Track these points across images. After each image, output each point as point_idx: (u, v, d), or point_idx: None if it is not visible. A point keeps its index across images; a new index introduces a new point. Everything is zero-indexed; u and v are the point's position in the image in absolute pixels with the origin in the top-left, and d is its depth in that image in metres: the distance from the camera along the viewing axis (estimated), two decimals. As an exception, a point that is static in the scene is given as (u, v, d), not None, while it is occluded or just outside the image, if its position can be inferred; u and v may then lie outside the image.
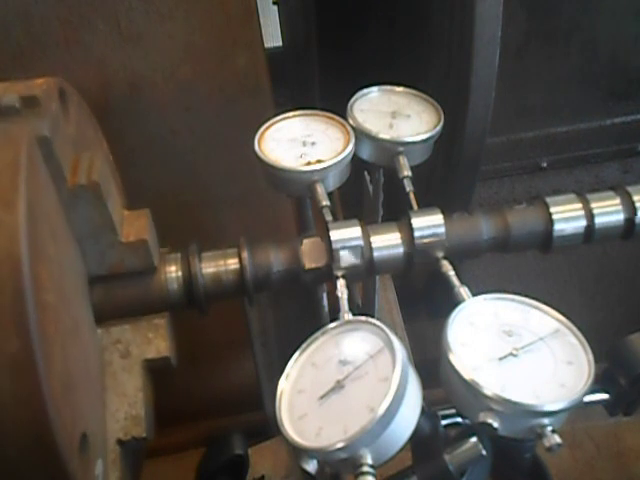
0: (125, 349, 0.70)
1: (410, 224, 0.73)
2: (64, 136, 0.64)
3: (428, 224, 0.73)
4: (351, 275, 0.72)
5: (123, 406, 0.67)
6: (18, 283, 0.50)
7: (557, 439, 0.54)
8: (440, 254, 0.73)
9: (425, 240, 0.73)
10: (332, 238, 0.71)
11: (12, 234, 0.50)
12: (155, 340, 0.70)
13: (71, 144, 0.66)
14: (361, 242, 0.72)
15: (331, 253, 0.71)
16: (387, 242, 0.73)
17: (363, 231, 0.73)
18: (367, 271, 0.73)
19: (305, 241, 0.74)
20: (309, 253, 0.73)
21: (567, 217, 0.75)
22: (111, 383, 0.68)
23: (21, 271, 0.50)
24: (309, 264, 0.72)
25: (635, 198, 0.76)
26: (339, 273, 0.71)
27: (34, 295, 0.50)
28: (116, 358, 0.69)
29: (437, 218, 0.74)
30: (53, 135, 0.60)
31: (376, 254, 0.73)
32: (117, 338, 0.70)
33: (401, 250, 0.73)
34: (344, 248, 0.71)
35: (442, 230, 0.73)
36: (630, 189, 0.77)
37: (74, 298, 0.64)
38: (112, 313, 0.70)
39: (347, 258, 0.71)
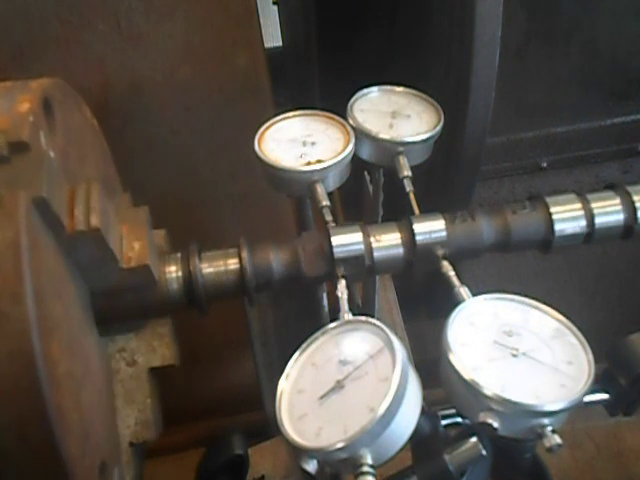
0: (131, 357, 0.70)
1: (412, 229, 0.73)
2: (58, 175, 0.60)
3: (430, 229, 0.73)
4: (351, 276, 0.72)
5: (133, 412, 0.69)
6: (33, 378, 0.50)
7: (557, 439, 0.54)
8: (440, 255, 0.73)
9: (426, 244, 0.73)
10: (334, 244, 0.71)
11: (22, 328, 0.50)
12: (160, 348, 0.71)
13: (63, 170, 0.62)
14: (363, 249, 0.72)
15: (332, 259, 0.71)
16: (387, 243, 0.73)
17: (364, 232, 0.73)
18: (367, 271, 0.73)
19: (307, 247, 0.73)
20: (310, 261, 0.72)
21: (567, 217, 0.75)
22: (120, 390, 0.70)
23: (35, 365, 0.50)
24: (310, 273, 0.72)
25: (635, 198, 0.76)
26: (339, 274, 0.72)
27: (49, 380, 0.51)
28: (123, 366, 0.70)
29: (439, 224, 0.73)
30: (49, 189, 0.56)
31: (376, 254, 0.73)
32: (122, 346, 0.70)
33: (401, 250, 0.73)
34: (345, 254, 0.71)
35: (443, 234, 0.73)
36: (630, 189, 0.77)
37: (80, 332, 0.63)
38: (113, 316, 0.70)
39: (348, 264, 0.71)
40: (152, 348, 0.71)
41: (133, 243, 0.68)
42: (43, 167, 0.57)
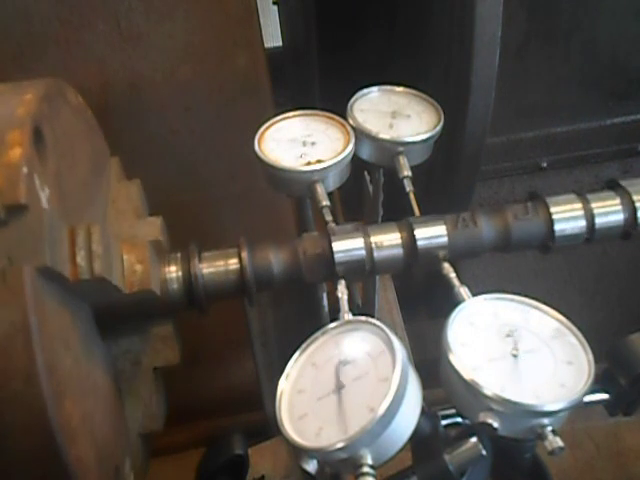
0: (135, 358, 0.71)
1: (413, 235, 0.72)
2: (57, 227, 0.57)
3: (431, 234, 0.73)
4: (351, 276, 0.72)
5: (140, 407, 0.71)
6: (50, 442, 0.51)
7: (559, 442, 0.54)
8: (441, 258, 0.73)
9: (427, 249, 0.73)
10: (333, 245, 0.71)
11: (37, 405, 0.50)
12: (163, 351, 0.72)
13: (62, 215, 0.59)
14: (363, 250, 0.72)
15: (332, 259, 0.71)
16: (387, 243, 0.73)
17: (364, 233, 0.73)
18: (367, 272, 0.73)
19: (306, 248, 0.73)
20: (310, 262, 0.72)
21: (567, 217, 0.75)
22: (126, 388, 0.71)
23: (51, 431, 0.51)
24: (310, 273, 0.72)
25: (635, 198, 0.76)
26: (339, 274, 0.71)
27: (66, 437, 0.52)
28: (128, 366, 0.71)
29: (440, 229, 0.73)
30: (52, 254, 0.54)
31: (376, 255, 0.73)
32: (127, 348, 0.71)
33: (401, 251, 0.73)
34: (346, 255, 0.71)
35: (445, 240, 0.73)
36: (630, 189, 0.77)
37: (87, 360, 0.63)
38: (114, 318, 0.69)
39: (348, 265, 0.71)
40: (156, 350, 0.72)
41: (135, 266, 0.67)
42: (43, 229, 0.54)
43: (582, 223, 0.75)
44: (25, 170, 0.53)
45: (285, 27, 1.54)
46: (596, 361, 0.59)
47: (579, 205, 0.76)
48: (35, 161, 0.56)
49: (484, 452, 0.63)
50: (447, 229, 0.73)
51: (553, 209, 0.75)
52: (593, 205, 0.76)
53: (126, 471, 0.66)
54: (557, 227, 0.75)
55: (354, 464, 0.53)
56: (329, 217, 0.76)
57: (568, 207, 0.76)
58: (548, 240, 0.75)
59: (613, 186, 0.78)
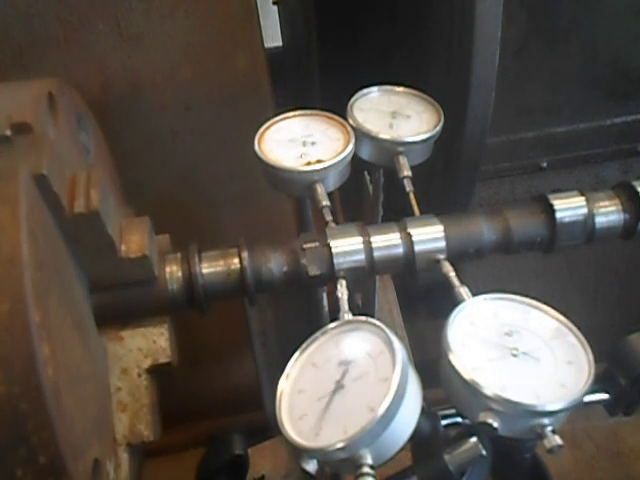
0: (130, 356, 0.71)
1: (410, 236, 0.73)
2: (60, 160, 0.61)
3: (428, 237, 0.73)
4: (351, 276, 0.72)
5: (131, 412, 0.69)
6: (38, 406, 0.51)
7: (557, 440, 0.54)
8: (440, 257, 0.73)
9: (425, 248, 0.73)
10: (333, 245, 0.72)
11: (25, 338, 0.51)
12: (159, 345, 0.71)
13: (65, 161, 0.63)
14: (362, 250, 0.72)
15: (332, 260, 0.71)
16: (387, 242, 0.73)
17: (363, 233, 0.73)
18: (367, 272, 0.73)
19: (306, 248, 0.73)
20: (310, 262, 0.72)
21: (567, 218, 0.75)
22: (118, 390, 0.70)
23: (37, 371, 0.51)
24: (310, 273, 0.72)
25: (636, 198, 0.76)
26: (339, 275, 0.72)
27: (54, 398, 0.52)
28: (122, 366, 0.70)
29: (437, 229, 0.73)
30: (50, 167, 0.57)
31: (376, 255, 0.73)
32: (121, 344, 0.71)
33: (401, 250, 0.73)
34: (345, 255, 0.71)
35: (442, 243, 0.73)
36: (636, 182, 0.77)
37: (76, 335, 0.63)
38: (113, 315, 0.69)
39: (348, 265, 0.71)
40: (151, 346, 0.71)
41: (132, 236, 0.69)
42: (45, 146, 0.58)
43: (582, 223, 0.75)
44: (35, 104, 0.60)
45: (285, 27, 1.55)
46: (596, 361, 0.59)
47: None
48: (45, 106, 0.61)
49: (484, 452, 0.63)
50: (444, 228, 0.73)
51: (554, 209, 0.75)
52: (593, 205, 0.76)
53: (107, 470, 0.64)
54: (557, 227, 0.75)
55: (354, 464, 0.53)
56: (329, 217, 0.76)
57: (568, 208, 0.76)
58: (549, 240, 0.76)
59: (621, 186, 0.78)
